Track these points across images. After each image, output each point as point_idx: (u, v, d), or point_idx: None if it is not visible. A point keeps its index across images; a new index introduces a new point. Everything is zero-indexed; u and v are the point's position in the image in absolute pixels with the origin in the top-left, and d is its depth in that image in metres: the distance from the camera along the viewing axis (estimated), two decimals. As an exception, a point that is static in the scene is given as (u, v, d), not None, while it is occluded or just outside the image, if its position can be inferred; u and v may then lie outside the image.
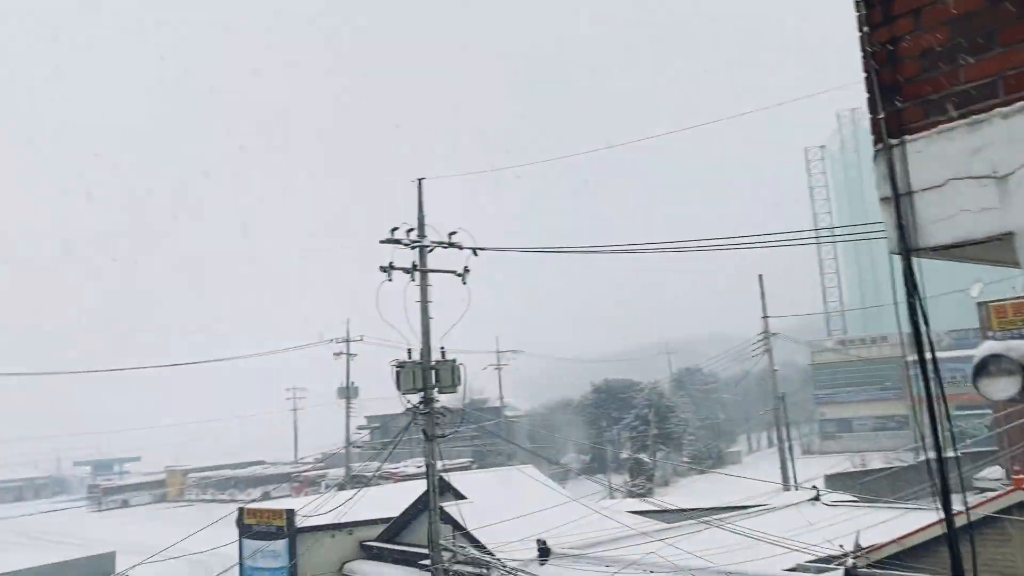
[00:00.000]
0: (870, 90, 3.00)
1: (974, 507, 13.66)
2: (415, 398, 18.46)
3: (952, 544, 3.36)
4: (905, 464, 42.25)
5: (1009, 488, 15.09)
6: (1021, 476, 14.50)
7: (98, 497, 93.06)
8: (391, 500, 30.93)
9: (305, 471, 75.92)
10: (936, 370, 3.15)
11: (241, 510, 32.83)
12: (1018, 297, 29.50)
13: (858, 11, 3.06)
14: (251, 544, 31.27)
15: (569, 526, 21.42)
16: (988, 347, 3.57)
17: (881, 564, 15.67)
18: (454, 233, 18.67)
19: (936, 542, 15.60)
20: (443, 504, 21.25)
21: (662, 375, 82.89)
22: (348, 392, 52.18)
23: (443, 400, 19.25)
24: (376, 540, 29.70)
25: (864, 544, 17.34)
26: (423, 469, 20.05)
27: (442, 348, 18.59)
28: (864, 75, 2.96)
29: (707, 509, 26.86)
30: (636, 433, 67.77)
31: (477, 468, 51.33)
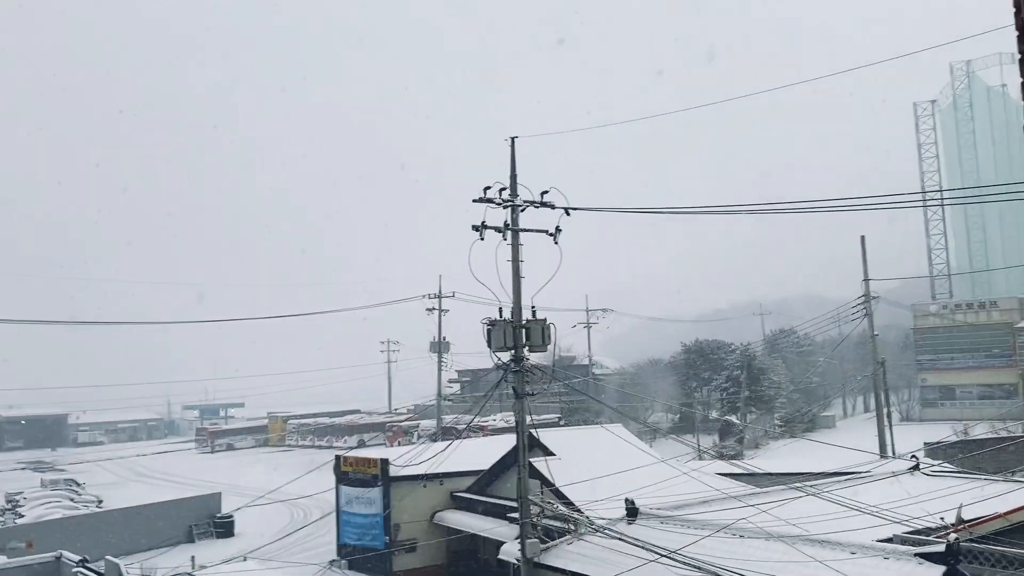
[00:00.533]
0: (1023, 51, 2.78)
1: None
2: (506, 355, 18.66)
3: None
4: (1014, 435, 40.43)
5: None
6: None
7: (205, 440, 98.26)
8: (481, 453, 31.58)
9: (399, 421, 78.10)
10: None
11: (338, 458, 34.09)
12: None
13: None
14: (348, 491, 32.51)
15: (657, 486, 21.42)
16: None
17: (985, 539, 15.13)
18: (546, 192, 18.62)
19: (1048, 519, 14.97)
20: (532, 460, 21.55)
21: (755, 337, 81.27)
22: (440, 347, 53.17)
23: (532, 358, 19.42)
24: (466, 491, 30.44)
25: (967, 518, 16.77)
26: (512, 424, 20.32)
27: (533, 307, 18.69)
28: (1017, 33, 2.75)
29: (800, 475, 26.42)
30: (727, 395, 66.91)
31: (565, 425, 51.76)
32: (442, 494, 31.09)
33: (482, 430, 52.47)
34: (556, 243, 18.76)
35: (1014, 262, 73.45)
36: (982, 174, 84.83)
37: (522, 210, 18.68)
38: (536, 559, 18.37)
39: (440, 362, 53.13)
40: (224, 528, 40.69)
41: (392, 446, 62.19)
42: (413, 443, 52.42)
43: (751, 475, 27.63)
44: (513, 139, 19.11)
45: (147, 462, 69.51)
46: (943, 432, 45.44)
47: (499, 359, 18.58)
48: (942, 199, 70.10)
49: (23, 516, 43.31)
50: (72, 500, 48.40)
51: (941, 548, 13.54)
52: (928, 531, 16.64)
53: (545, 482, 23.77)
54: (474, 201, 18.45)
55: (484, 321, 18.49)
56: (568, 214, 18.57)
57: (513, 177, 18.92)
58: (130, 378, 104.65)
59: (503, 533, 24.61)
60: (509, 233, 18.53)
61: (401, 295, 52.81)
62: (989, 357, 67.38)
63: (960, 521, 16.66)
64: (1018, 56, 2.72)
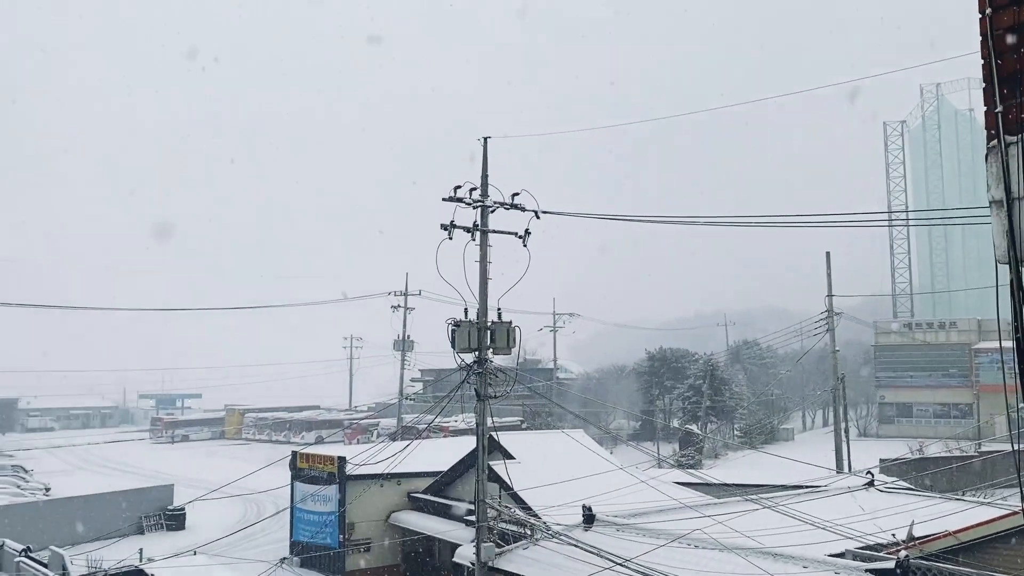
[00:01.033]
0: (987, 79, 2.70)
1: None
2: (469, 357, 18.49)
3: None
4: (967, 454, 41.15)
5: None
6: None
7: (160, 430, 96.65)
8: (440, 454, 31.35)
9: (358, 419, 77.50)
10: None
11: (294, 454, 33.65)
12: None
13: (979, -10, 2.76)
14: (303, 488, 32.10)
15: (615, 493, 21.38)
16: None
17: (935, 557, 15.28)
18: (517, 195, 18.50)
19: (1000, 539, 15.13)
20: (491, 463, 21.39)
21: (718, 347, 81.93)
22: (404, 345, 52.84)
23: (497, 360, 19.28)
24: (424, 492, 30.20)
25: (918, 535, 16.94)
26: (473, 425, 20.15)
27: (499, 309, 18.55)
28: (982, 62, 2.67)
29: (757, 487, 26.56)
30: (688, 404, 67.26)
31: (526, 428, 51.68)
32: (399, 494, 30.82)
33: (443, 431, 52.21)
34: (525, 246, 18.65)
35: (975, 283, 74.85)
36: (947, 195, 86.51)
37: (492, 211, 18.54)
38: (491, 563, 18.23)
39: (403, 360, 52.78)
40: (175, 521, 40.00)
41: (350, 444, 61.66)
42: (372, 441, 51.99)
43: (708, 485, 27.72)
44: (486, 139, 18.97)
45: (99, 451, 68.20)
46: (899, 449, 46.09)
47: (462, 360, 18.42)
48: (907, 219, 71.22)
49: (-34, 502, 42.20)
50: (19, 487, 47.19)
51: (891, 565, 13.65)
52: (880, 547, 16.79)
53: (504, 486, 23.64)
54: (444, 200, 18.27)
55: (449, 321, 18.30)
56: (538, 217, 18.48)
57: (484, 177, 18.77)
58: (85, 364, 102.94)
59: (459, 536, 24.44)
60: (478, 234, 18.38)
61: (368, 292, 52.44)
62: (947, 376, 68.53)
63: (911, 538, 16.82)
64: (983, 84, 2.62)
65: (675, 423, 67.35)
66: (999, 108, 2.60)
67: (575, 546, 17.34)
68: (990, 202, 2.63)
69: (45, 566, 19.44)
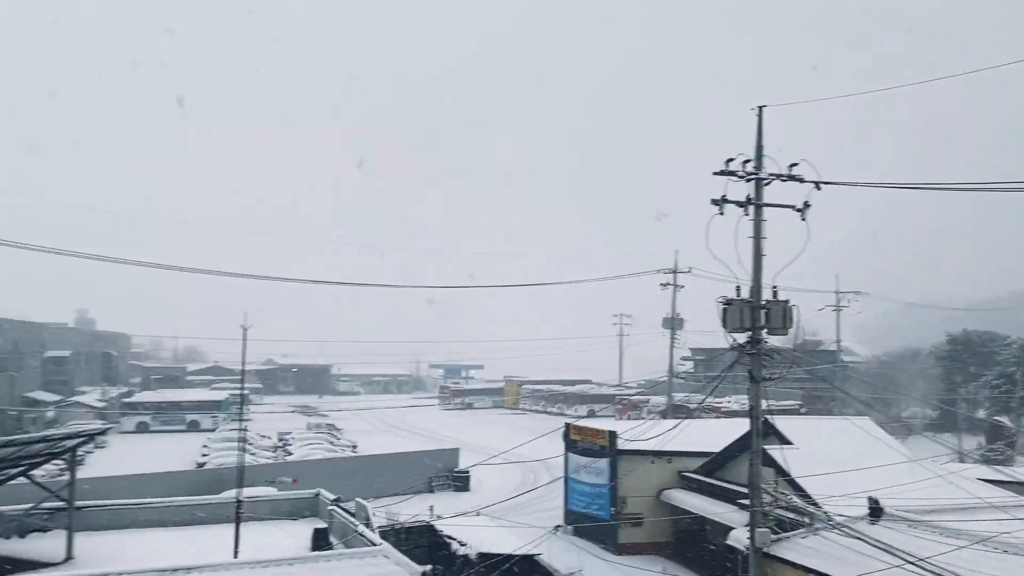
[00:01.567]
0: None
1: None
2: (742, 337, 17.86)
3: None
4: None
5: None
6: None
7: (447, 397, 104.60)
8: (711, 434, 30.71)
9: (628, 395, 78.17)
10: None
11: (568, 426, 34.71)
12: None
13: None
14: (576, 459, 33.05)
15: (906, 487, 19.65)
16: None
17: None
18: (795, 165, 17.45)
19: None
20: (766, 447, 20.57)
21: (1036, 331, 71.97)
22: (673, 323, 52.31)
23: (772, 341, 18.42)
24: (695, 472, 29.80)
25: None
26: (747, 407, 19.49)
27: (774, 287, 17.69)
28: None
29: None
30: (998, 393, 59.99)
31: (805, 413, 49.05)
32: (669, 472, 30.68)
33: (714, 411, 51.14)
34: (803, 219, 17.57)
35: None
36: None
37: (767, 184, 17.67)
38: (766, 549, 17.59)
39: (672, 338, 52.29)
40: (461, 482, 43.06)
41: (621, 419, 62.39)
42: (642, 418, 52.21)
43: (1020, 484, 24.61)
44: (761, 108, 18.07)
45: (395, 415, 75.17)
46: None
47: (734, 340, 17.83)
48: None
49: (291, 454, 48.57)
50: (331, 443, 53.48)
51: None
52: None
53: (779, 471, 22.63)
54: (714, 174, 17.71)
55: (720, 300, 17.78)
56: (819, 188, 17.31)
57: (759, 148, 17.91)
58: (382, 336, 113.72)
59: (732, 518, 23.83)
60: (751, 208, 17.63)
61: (637, 269, 52.50)
62: None
63: None
64: None
65: (981, 414, 60.44)
66: None
67: (860, 539, 16.21)
68: None
69: (352, 515, 21.84)
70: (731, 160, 17.49)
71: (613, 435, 31.21)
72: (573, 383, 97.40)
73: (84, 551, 20.14)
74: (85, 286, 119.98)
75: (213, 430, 65.00)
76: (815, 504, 19.89)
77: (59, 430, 44.91)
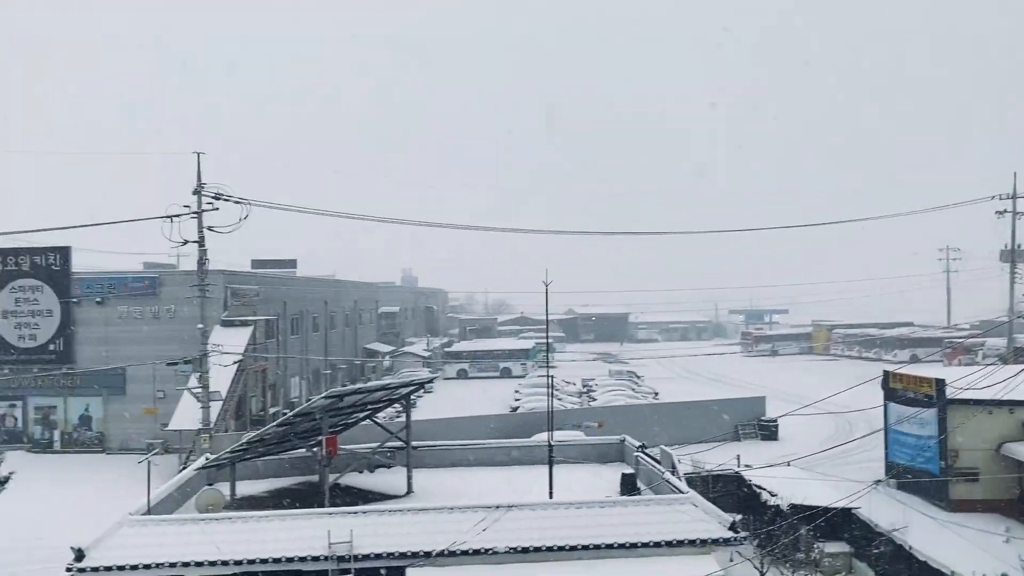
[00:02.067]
0: None
1: None
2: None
3: None
4: None
5: None
6: None
7: (749, 344, 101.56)
8: (1065, 382, 26.78)
9: (959, 338, 70.49)
10: None
11: (887, 373, 32.21)
12: None
13: None
14: (898, 409, 30.62)
15: None
16: None
17: None
18: None
19: None
20: None
21: None
22: (1013, 255, 46.02)
23: None
24: (1044, 424, 26.27)
25: None
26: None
27: None
28: None
29: None
30: None
31: None
32: (1012, 423, 27.35)
33: (1069, 354, 44.47)
34: None
35: None
36: None
37: None
38: None
39: (1012, 273, 46.03)
40: (768, 432, 41.83)
41: (950, 365, 56.49)
42: (977, 363, 46.87)
43: None
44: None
45: (696, 362, 74.58)
46: None
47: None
48: None
49: (596, 400, 50.31)
50: (633, 390, 54.54)
51: None
52: None
53: None
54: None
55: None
56: None
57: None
58: (683, 283, 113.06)
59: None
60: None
61: (966, 196, 46.80)
62: None
63: None
64: None
65: None
66: None
67: None
68: None
69: (658, 462, 22.15)
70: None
71: (941, 383, 28.37)
72: (892, 326, 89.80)
73: (420, 487, 22.61)
74: (409, 248, 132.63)
75: (523, 376, 69.21)
76: None
77: (395, 379, 50.56)
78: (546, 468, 20.55)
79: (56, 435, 42.72)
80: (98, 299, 42.45)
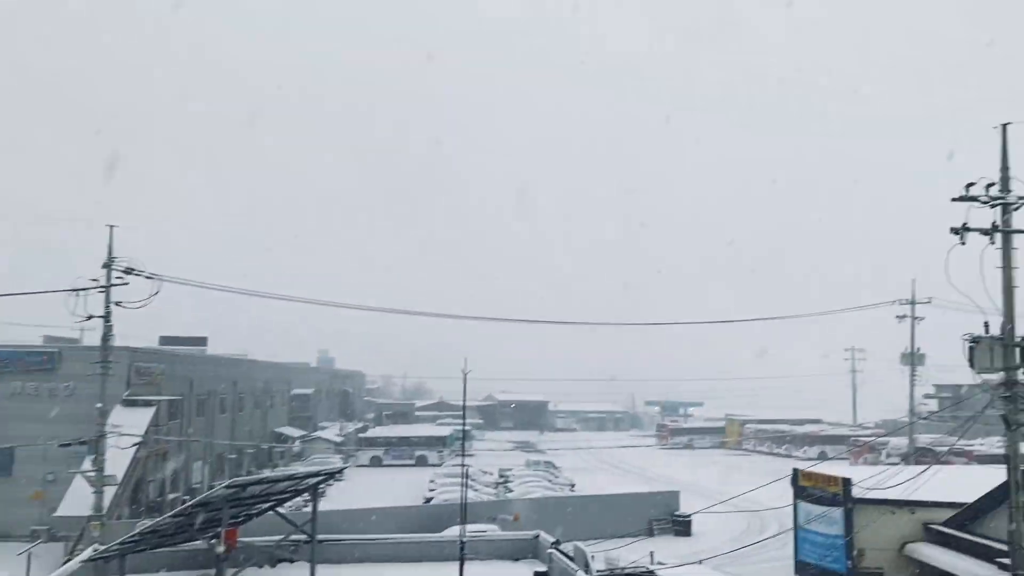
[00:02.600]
0: None
1: None
2: (994, 377, 16.09)
3: None
4: None
5: None
6: None
7: (665, 436, 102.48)
8: (961, 482, 27.80)
9: (864, 436, 72.71)
10: None
11: (796, 471, 32.77)
12: None
13: None
14: (807, 508, 31.07)
15: None
16: None
17: None
18: (1050, 186, 15.62)
19: None
20: (1029, 501, 18.20)
21: None
22: (913, 358, 48.13)
23: (1031, 381, 16.41)
24: (943, 524, 26.99)
25: None
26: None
27: (1031, 322, 15.81)
28: None
29: None
30: None
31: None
32: (913, 524, 27.98)
33: (966, 456, 46.29)
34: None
35: None
36: None
37: (1016, 209, 15.92)
38: (1034, 621, 15.51)
39: (912, 376, 48.05)
40: (682, 527, 41.77)
41: (856, 463, 58.06)
42: (880, 462, 48.31)
43: None
44: (1004, 126, 16.38)
45: (614, 454, 74.74)
46: None
47: (984, 380, 16.11)
48: None
49: (512, 491, 49.59)
50: (550, 482, 54.00)
51: None
52: None
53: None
54: (953, 200, 16.25)
55: (965, 337, 16.16)
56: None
57: (1004, 170, 16.23)
58: (598, 374, 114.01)
59: (990, 581, 21.26)
60: (999, 237, 15.93)
61: (867, 300, 49.02)
62: None
63: None
64: None
65: None
66: None
67: None
68: None
69: (572, 559, 21.82)
70: (971, 185, 15.97)
71: (847, 482, 29.01)
72: (801, 422, 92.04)
73: (325, 583, 21.64)
74: (324, 329, 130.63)
75: (439, 464, 67.94)
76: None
77: (304, 466, 48.91)
78: (457, 565, 19.99)
79: (-70, 519, 39.54)
80: (-11, 374, 40.17)
